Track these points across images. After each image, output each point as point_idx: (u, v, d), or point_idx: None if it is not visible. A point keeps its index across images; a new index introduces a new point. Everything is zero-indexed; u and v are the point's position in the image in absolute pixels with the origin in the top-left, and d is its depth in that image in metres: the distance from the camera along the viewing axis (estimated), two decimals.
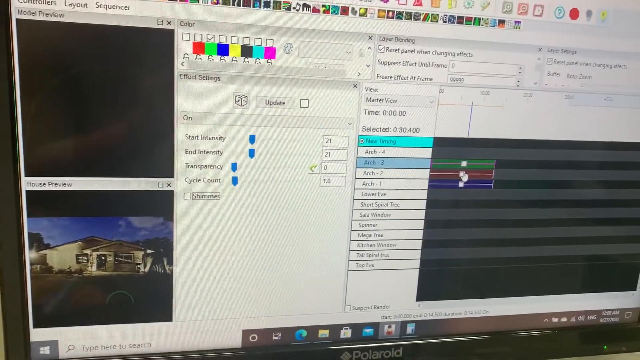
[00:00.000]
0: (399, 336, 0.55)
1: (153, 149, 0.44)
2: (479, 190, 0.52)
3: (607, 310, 0.60)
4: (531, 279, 0.56)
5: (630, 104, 0.54)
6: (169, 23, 0.42)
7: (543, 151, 0.53)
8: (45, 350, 0.46)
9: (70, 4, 0.40)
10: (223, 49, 0.44)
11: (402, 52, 0.47)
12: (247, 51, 0.44)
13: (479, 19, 0.48)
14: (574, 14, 0.50)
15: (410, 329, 0.55)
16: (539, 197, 0.54)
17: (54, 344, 0.46)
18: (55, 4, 0.40)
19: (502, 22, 0.49)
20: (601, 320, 0.60)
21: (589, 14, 0.50)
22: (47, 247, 0.44)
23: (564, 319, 0.59)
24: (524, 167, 0.53)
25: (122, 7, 0.41)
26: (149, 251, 0.46)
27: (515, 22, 0.49)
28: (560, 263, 0.57)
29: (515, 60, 0.50)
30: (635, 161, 0.56)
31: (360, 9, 0.45)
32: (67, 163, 0.43)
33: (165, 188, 0.45)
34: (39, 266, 0.44)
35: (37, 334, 0.46)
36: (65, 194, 0.43)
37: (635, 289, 0.60)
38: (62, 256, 0.45)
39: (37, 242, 0.44)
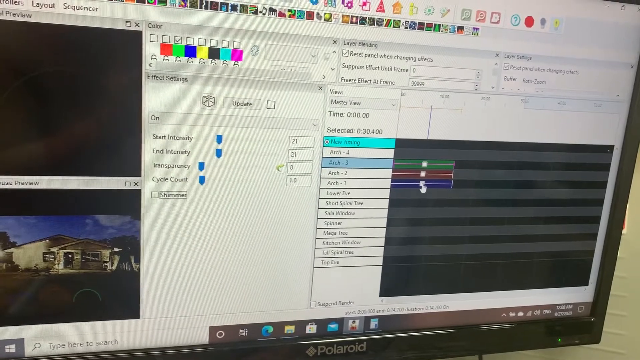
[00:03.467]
0: (362, 331, 0.56)
1: (120, 148, 0.45)
2: (439, 189, 0.54)
3: (560, 304, 0.63)
4: (489, 275, 0.59)
5: (582, 108, 0.57)
6: (136, 25, 0.43)
7: (500, 152, 0.55)
8: (10, 349, 0.46)
9: (38, 5, 0.41)
10: (190, 51, 0.45)
11: (365, 57, 0.49)
12: (214, 53, 0.45)
13: (439, 25, 0.50)
14: (529, 21, 0.53)
15: (373, 324, 0.57)
16: (497, 196, 0.57)
17: (19, 342, 0.46)
18: (22, 4, 0.40)
19: (461, 28, 0.51)
20: (555, 314, 0.63)
21: (543, 22, 0.53)
22: (13, 245, 0.44)
23: (520, 314, 0.61)
24: (482, 168, 0.55)
25: (90, 9, 0.42)
26: (116, 249, 0.47)
27: (474, 28, 0.51)
28: (516, 260, 0.59)
29: (473, 65, 0.52)
30: (587, 162, 0.59)
31: (325, 14, 0.47)
32: (34, 162, 0.43)
33: (133, 187, 0.46)
34: (4, 264, 0.44)
35: (2, 332, 0.46)
36: (32, 193, 0.44)
37: (587, 284, 0.63)
38: (29, 254, 0.45)
39: (3, 240, 0.44)
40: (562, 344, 0.64)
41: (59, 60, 0.42)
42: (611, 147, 0.59)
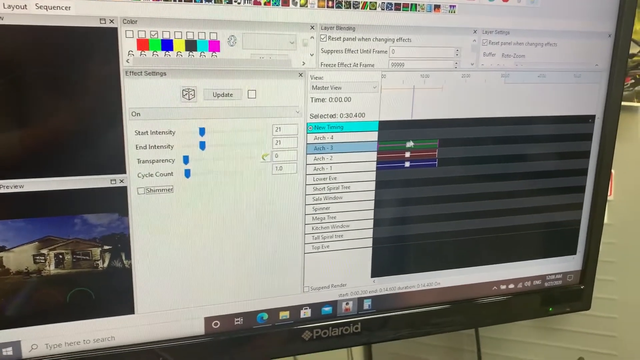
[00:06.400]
0: (356, 312, 0.57)
1: (104, 146, 0.45)
2: (424, 169, 0.55)
3: (550, 274, 0.64)
4: (478, 250, 0.60)
5: (562, 80, 0.57)
6: (111, 21, 0.43)
7: (483, 128, 0.56)
8: (7, 352, 0.47)
9: (9, 6, 0.40)
10: (167, 45, 0.44)
11: (343, 40, 0.49)
12: (191, 45, 0.45)
13: (416, 4, 0.50)
14: None
15: (367, 304, 0.57)
16: (481, 172, 0.57)
17: (16, 345, 0.47)
18: None
19: (437, 7, 0.51)
20: (545, 284, 0.64)
21: None
22: (3, 249, 0.44)
23: (511, 286, 0.62)
24: (465, 145, 0.56)
25: (63, 7, 0.41)
26: (106, 247, 0.47)
27: (450, 6, 0.51)
28: (504, 233, 0.60)
29: (452, 43, 0.52)
30: (568, 133, 0.59)
31: None
32: (17, 164, 0.43)
33: (118, 184, 0.46)
34: None
35: None
36: (18, 196, 0.43)
37: (575, 253, 0.64)
38: (19, 257, 0.45)
39: None
40: (553, 312, 0.65)
41: (35, 62, 0.42)
42: (592, 117, 0.60)
